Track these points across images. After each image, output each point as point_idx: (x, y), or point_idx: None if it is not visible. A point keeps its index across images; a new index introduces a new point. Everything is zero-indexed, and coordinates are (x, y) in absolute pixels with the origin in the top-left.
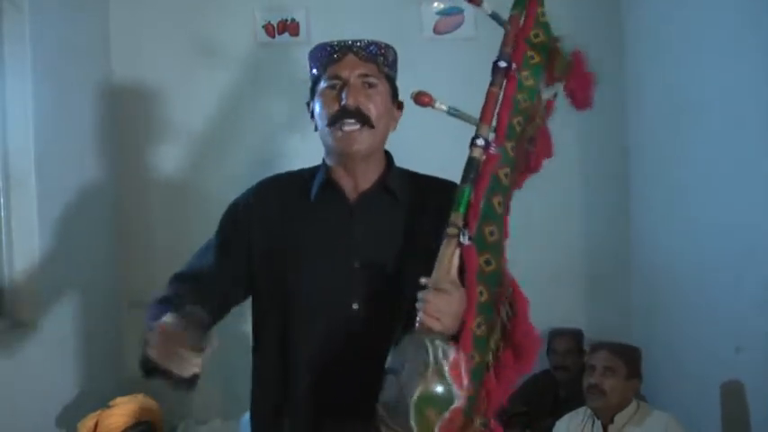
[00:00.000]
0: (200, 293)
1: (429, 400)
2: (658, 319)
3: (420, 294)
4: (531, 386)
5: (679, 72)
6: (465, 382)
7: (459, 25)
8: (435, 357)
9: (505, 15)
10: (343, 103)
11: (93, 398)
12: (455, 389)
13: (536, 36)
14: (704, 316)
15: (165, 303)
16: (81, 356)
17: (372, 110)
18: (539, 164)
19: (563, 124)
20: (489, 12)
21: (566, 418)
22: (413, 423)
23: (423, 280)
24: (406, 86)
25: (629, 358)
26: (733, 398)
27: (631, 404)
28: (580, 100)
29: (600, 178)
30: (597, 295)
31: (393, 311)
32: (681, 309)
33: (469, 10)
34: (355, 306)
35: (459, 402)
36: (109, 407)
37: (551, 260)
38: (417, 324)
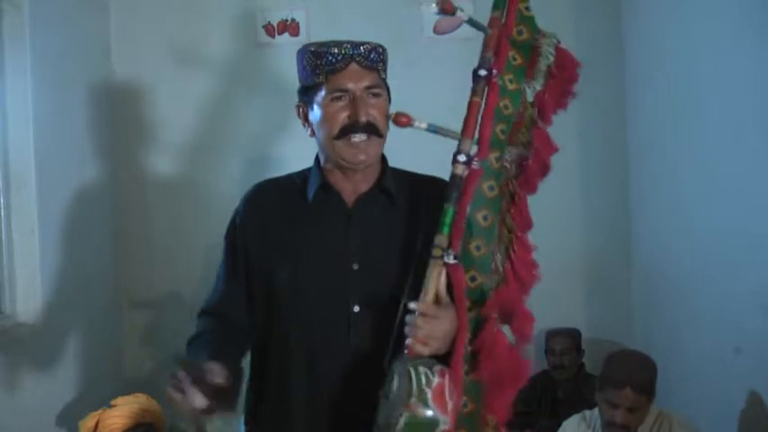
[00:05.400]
0: (225, 329)
1: (414, 427)
2: (658, 319)
3: (408, 319)
4: (530, 386)
5: (679, 72)
6: (450, 406)
7: (459, 25)
8: (418, 385)
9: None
10: (360, 118)
11: (94, 398)
12: (439, 414)
13: (519, 33)
14: (704, 316)
15: (197, 345)
16: (81, 356)
17: (379, 119)
18: (545, 164)
19: (563, 124)
20: (465, 18)
21: (573, 421)
22: None
23: (411, 305)
24: (407, 86)
25: (651, 388)
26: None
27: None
28: (550, 109)
29: (600, 178)
30: (597, 295)
31: (393, 313)
32: (681, 309)
33: (469, 10)
34: (356, 308)
35: (444, 426)
36: (110, 406)
37: (551, 260)
38: (406, 350)
